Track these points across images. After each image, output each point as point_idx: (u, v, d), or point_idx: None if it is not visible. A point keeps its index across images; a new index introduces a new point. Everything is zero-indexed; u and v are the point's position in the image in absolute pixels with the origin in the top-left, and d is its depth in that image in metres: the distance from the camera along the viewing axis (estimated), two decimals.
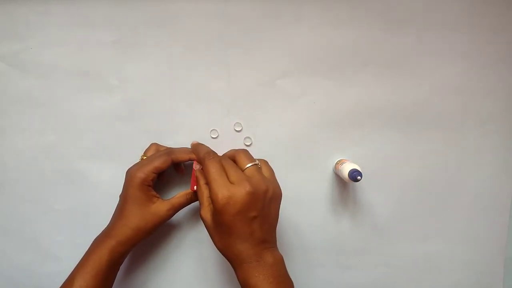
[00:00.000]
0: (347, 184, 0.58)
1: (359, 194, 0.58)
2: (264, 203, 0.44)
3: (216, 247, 0.46)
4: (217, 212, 0.43)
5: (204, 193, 0.48)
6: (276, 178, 0.48)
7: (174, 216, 0.53)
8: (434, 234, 0.59)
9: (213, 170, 0.45)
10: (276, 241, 0.48)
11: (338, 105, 0.56)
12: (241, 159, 0.47)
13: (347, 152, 0.57)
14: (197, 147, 0.52)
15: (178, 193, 0.53)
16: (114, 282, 0.51)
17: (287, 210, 0.57)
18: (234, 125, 0.57)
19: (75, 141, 0.57)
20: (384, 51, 0.55)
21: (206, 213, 0.46)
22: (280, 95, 0.56)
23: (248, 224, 0.43)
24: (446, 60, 0.55)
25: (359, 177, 0.49)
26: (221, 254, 0.46)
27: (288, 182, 0.57)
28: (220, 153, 0.56)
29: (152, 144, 0.55)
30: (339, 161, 0.55)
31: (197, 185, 0.49)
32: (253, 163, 0.47)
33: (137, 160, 0.53)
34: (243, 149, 0.49)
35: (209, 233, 0.47)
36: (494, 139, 0.57)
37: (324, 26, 0.54)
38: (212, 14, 0.54)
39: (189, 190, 0.53)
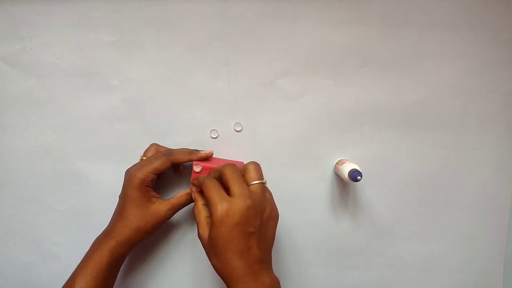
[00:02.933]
0: (347, 184, 0.58)
1: (359, 194, 0.58)
2: (262, 221, 0.44)
3: (213, 266, 0.44)
4: (215, 224, 0.42)
5: (202, 213, 0.47)
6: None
7: (173, 216, 0.53)
8: (434, 234, 0.59)
9: (212, 186, 0.45)
10: (271, 263, 0.46)
11: (338, 105, 0.56)
12: (250, 173, 0.47)
13: (347, 152, 0.57)
14: (197, 178, 0.50)
15: (178, 193, 0.53)
16: (114, 282, 0.51)
17: (287, 210, 0.57)
18: (234, 125, 0.57)
19: (75, 141, 0.57)
20: (384, 51, 0.55)
21: (204, 231, 0.45)
22: (280, 95, 0.56)
23: (246, 239, 0.43)
24: (446, 60, 0.55)
25: (359, 177, 0.49)
26: (217, 274, 0.45)
27: (288, 182, 0.57)
28: (220, 153, 0.57)
29: (152, 145, 0.55)
30: (339, 161, 0.55)
31: (195, 205, 0.49)
32: (260, 181, 0.46)
33: (137, 160, 0.53)
34: (255, 163, 0.48)
35: (206, 253, 0.45)
36: (494, 139, 0.57)
37: (324, 26, 0.54)
38: (212, 14, 0.54)
39: (189, 190, 0.52)
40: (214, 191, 0.44)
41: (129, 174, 0.50)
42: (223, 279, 0.44)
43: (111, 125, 0.57)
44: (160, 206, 0.51)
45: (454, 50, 0.55)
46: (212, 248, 0.44)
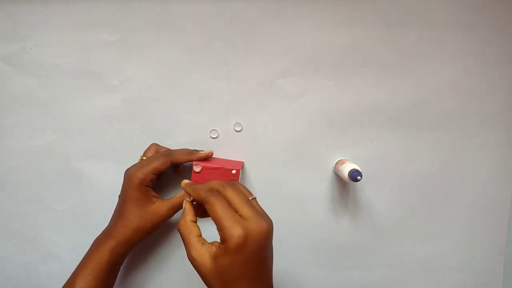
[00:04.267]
0: (347, 184, 0.58)
1: (359, 194, 0.58)
2: (272, 243, 0.40)
3: None
4: (230, 252, 0.37)
5: (192, 232, 0.41)
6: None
7: (173, 216, 0.53)
8: (434, 234, 0.59)
9: (221, 207, 0.38)
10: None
11: (338, 105, 0.56)
12: (242, 193, 0.41)
13: (347, 152, 0.57)
14: (193, 187, 0.43)
15: (178, 193, 0.53)
16: (115, 282, 0.51)
17: (287, 210, 0.57)
18: (234, 125, 0.57)
19: (75, 141, 0.57)
20: (384, 51, 0.55)
21: (203, 255, 0.39)
22: (280, 95, 0.56)
23: (261, 265, 0.38)
24: (446, 60, 0.55)
25: (359, 177, 0.49)
26: None
27: (288, 182, 0.57)
28: (220, 153, 0.57)
29: (152, 145, 0.55)
30: (339, 161, 0.55)
31: (182, 220, 0.42)
32: (253, 197, 0.42)
33: (137, 160, 0.53)
34: (238, 183, 0.43)
35: (204, 279, 0.39)
36: (494, 139, 0.57)
37: (324, 26, 0.54)
38: (212, 14, 0.54)
39: None
40: (225, 212, 0.38)
41: (128, 174, 0.50)
42: None
43: (111, 125, 0.57)
44: (160, 206, 0.51)
45: (454, 50, 0.55)
46: (219, 277, 0.38)
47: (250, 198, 0.41)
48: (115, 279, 0.51)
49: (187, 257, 0.40)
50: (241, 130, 0.57)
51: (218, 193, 0.40)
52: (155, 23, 0.55)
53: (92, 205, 0.58)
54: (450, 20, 0.54)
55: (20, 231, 0.59)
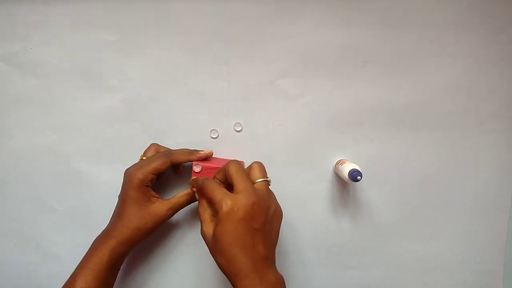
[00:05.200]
0: (347, 184, 0.58)
1: (359, 194, 0.58)
2: (267, 218, 0.44)
3: (218, 264, 0.44)
4: (221, 220, 0.42)
5: (207, 211, 0.47)
6: (276, 179, 0.48)
7: (173, 216, 0.53)
8: (434, 234, 0.59)
9: (212, 185, 0.45)
10: (275, 261, 0.46)
11: (338, 105, 0.56)
12: (255, 171, 0.47)
13: (347, 152, 0.57)
14: (194, 179, 0.51)
15: (178, 193, 0.53)
16: (115, 282, 0.51)
17: (287, 210, 0.57)
18: (234, 125, 0.57)
19: (75, 141, 0.57)
20: (384, 51, 0.55)
21: (209, 228, 0.45)
22: (280, 95, 0.56)
23: (251, 235, 0.43)
24: (446, 60, 0.55)
25: (359, 177, 0.49)
26: (222, 273, 0.44)
27: (288, 182, 0.57)
28: (220, 153, 0.57)
29: (152, 145, 0.55)
30: (339, 161, 0.55)
31: (200, 203, 0.49)
32: (264, 179, 0.47)
33: (137, 160, 0.53)
34: (260, 162, 0.48)
35: (210, 251, 0.45)
36: (494, 139, 0.57)
37: (324, 27, 0.54)
38: (212, 14, 0.54)
39: (189, 190, 0.52)
40: (215, 189, 0.44)
41: (128, 174, 0.50)
42: (228, 277, 0.43)
43: (111, 125, 0.57)
44: (160, 206, 0.51)
45: (454, 50, 0.55)
46: (217, 245, 0.43)
47: (260, 179, 0.46)
48: (115, 279, 0.51)
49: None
50: (241, 130, 0.57)
51: (219, 177, 0.49)
52: (155, 23, 0.55)
53: (92, 205, 0.58)
54: (450, 20, 0.54)
55: (20, 231, 0.59)
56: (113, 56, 0.56)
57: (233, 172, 0.46)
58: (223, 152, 0.57)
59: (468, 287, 0.60)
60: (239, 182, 0.44)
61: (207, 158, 0.53)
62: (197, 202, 0.56)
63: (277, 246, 0.47)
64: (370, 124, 0.56)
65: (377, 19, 0.54)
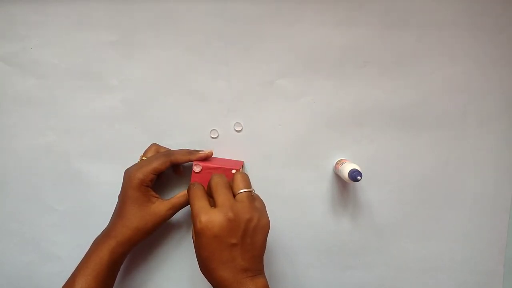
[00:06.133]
0: (347, 184, 0.58)
1: (359, 194, 0.58)
2: (247, 231, 0.43)
3: (203, 274, 0.45)
4: (197, 234, 0.43)
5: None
6: (266, 210, 0.47)
7: (173, 216, 0.53)
8: (434, 234, 0.59)
9: (194, 195, 0.45)
10: (262, 268, 0.46)
11: (338, 105, 0.56)
12: (237, 182, 0.46)
13: (347, 152, 0.57)
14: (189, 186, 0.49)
15: (178, 193, 0.53)
16: (114, 282, 0.51)
17: (287, 210, 0.57)
18: (234, 125, 0.57)
19: (75, 141, 0.57)
20: (384, 51, 0.55)
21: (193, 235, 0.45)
22: (280, 95, 0.56)
23: (228, 250, 0.42)
24: (446, 60, 0.55)
25: (359, 177, 0.49)
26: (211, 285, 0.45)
27: (288, 182, 0.57)
28: (220, 153, 0.57)
29: (152, 145, 0.55)
30: (339, 161, 0.55)
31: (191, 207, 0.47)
32: (247, 190, 0.45)
33: (137, 160, 0.53)
34: (243, 173, 0.48)
35: (198, 263, 0.45)
36: (494, 139, 0.57)
37: (324, 26, 0.54)
38: (212, 14, 0.54)
39: None
40: (196, 200, 0.44)
41: (128, 174, 0.50)
42: (210, 284, 0.44)
43: (111, 125, 0.57)
44: (160, 206, 0.51)
45: (454, 50, 0.55)
46: (197, 254, 0.44)
47: (242, 190, 0.45)
48: (115, 279, 0.51)
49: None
50: (241, 130, 0.57)
51: (199, 184, 0.47)
52: (155, 23, 0.55)
53: (92, 205, 0.58)
54: (450, 20, 0.54)
55: (20, 231, 0.59)
56: (113, 56, 0.56)
57: (213, 185, 0.45)
58: (223, 152, 0.57)
59: (468, 287, 0.60)
60: (218, 196, 0.44)
61: (207, 158, 0.53)
62: None
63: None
64: (370, 124, 0.56)
65: (377, 19, 0.54)
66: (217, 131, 0.57)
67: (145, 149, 0.54)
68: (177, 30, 0.55)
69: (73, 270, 0.49)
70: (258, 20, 0.54)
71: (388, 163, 0.57)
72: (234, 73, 0.56)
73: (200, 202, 0.44)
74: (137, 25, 0.55)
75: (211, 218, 0.42)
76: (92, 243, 0.50)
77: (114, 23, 0.55)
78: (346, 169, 0.50)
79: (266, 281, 0.44)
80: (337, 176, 0.57)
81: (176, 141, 0.57)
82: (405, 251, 0.59)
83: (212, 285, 0.44)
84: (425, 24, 0.54)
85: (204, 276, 0.45)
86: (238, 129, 0.57)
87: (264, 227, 0.45)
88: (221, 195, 0.44)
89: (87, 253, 0.50)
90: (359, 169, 0.50)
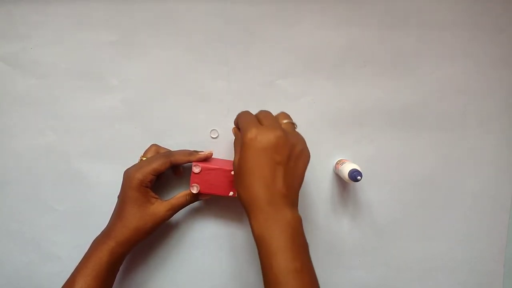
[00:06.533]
0: (347, 184, 0.58)
1: (359, 194, 0.58)
2: (291, 154, 0.43)
3: (238, 194, 0.44)
4: (243, 147, 0.43)
5: (239, 142, 0.45)
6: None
7: (173, 216, 0.53)
8: (434, 234, 0.59)
9: (245, 114, 0.47)
10: (297, 203, 0.45)
11: (338, 105, 0.56)
12: (281, 115, 0.48)
13: (347, 152, 0.57)
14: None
15: (178, 194, 0.53)
16: (114, 282, 0.51)
17: None
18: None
19: (75, 141, 0.57)
20: (384, 51, 0.55)
21: (236, 158, 0.45)
22: (280, 95, 0.56)
23: (271, 167, 0.42)
24: (446, 60, 0.55)
25: (359, 177, 0.49)
26: (241, 205, 0.44)
27: None
28: (220, 153, 0.57)
29: (152, 145, 0.55)
30: (339, 161, 0.55)
31: (236, 135, 0.49)
32: (291, 121, 0.48)
33: (137, 160, 0.53)
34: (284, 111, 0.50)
35: (234, 182, 0.45)
36: (494, 139, 0.57)
37: (324, 26, 0.54)
38: (212, 14, 0.54)
39: (188, 191, 0.52)
40: (247, 118, 0.45)
41: (128, 175, 0.50)
42: (244, 207, 0.43)
43: (111, 125, 0.57)
44: (159, 207, 0.51)
45: (454, 50, 0.55)
46: (237, 173, 0.44)
47: (287, 121, 0.47)
48: (114, 280, 0.51)
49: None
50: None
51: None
52: (155, 23, 0.55)
53: (92, 205, 0.58)
54: (450, 20, 0.54)
55: (20, 231, 0.59)
56: (113, 56, 0.56)
57: (262, 112, 0.47)
58: (223, 152, 0.57)
59: (468, 287, 0.60)
60: (266, 119, 0.45)
61: (207, 159, 0.53)
62: (196, 202, 0.56)
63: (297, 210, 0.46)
64: (370, 124, 0.56)
65: (377, 19, 0.54)
66: (217, 131, 0.57)
67: (145, 149, 0.54)
68: (177, 30, 0.55)
69: (73, 270, 0.49)
70: (258, 20, 0.54)
71: (388, 163, 0.57)
72: (234, 73, 0.56)
73: (251, 118, 0.45)
74: (137, 25, 0.55)
75: (261, 131, 0.42)
76: (92, 244, 0.50)
77: (114, 23, 0.55)
78: (346, 169, 0.50)
79: (301, 217, 0.44)
80: (337, 176, 0.57)
81: (176, 141, 0.57)
82: (405, 251, 0.59)
83: (245, 204, 0.43)
84: (425, 24, 0.54)
85: (239, 198, 0.44)
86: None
87: (306, 156, 0.46)
88: (269, 119, 0.45)
89: (86, 253, 0.50)
90: (359, 169, 0.50)
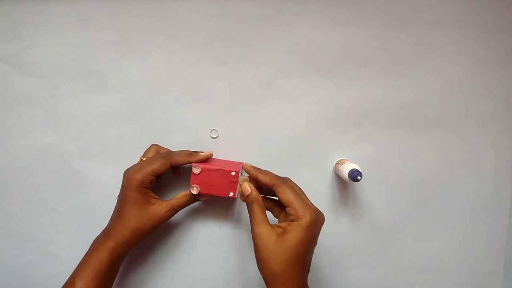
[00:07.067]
0: (347, 184, 0.58)
1: (359, 194, 0.58)
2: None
3: (266, 269, 0.42)
4: (302, 228, 0.42)
5: (263, 209, 0.45)
6: None
7: (173, 216, 0.52)
8: (434, 234, 0.58)
9: (293, 191, 0.45)
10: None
11: (338, 105, 0.56)
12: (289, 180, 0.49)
13: (347, 152, 0.57)
14: (262, 171, 0.48)
15: (177, 194, 0.53)
16: (114, 282, 0.51)
17: None
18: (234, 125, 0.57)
19: (75, 141, 0.57)
20: (384, 51, 0.55)
21: (269, 230, 0.43)
22: (280, 95, 0.56)
23: (311, 252, 0.44)
24: (446, 60, 0.55)
25: (359, 177, 0.49)
26: (263, 276, 0.43)
27: None
28: (220, 153, 0.57)
29: (152, 145, 0.55)
30: (339, 161, 0.55)
31: (255, 202, 0.46)
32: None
33: (137, 160, 0.53)
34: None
35: (262, 255, 0.42)
36: (494, 139, 0.57)
37: (324, 26, 0.54)
38: (212, 14, 0.54)
39: (188, 192, 0.52)
40: (297, 196, 0.44)
41: (127, 175, 0.50)
42: (268, 281, 0.42)
43: (111, 125, 0.57)
44: (159, 207, 0.51)
45: (454, 50, 0.55)
46: (282, 251, 0.41)
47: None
48: (114, 280, 0.51)
49: (251, 232, 0.44)
50: (241, 130, 0.57)
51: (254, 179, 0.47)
52: (155, 23, 0.55)
53: (92, 205, 0.58)
54: (450, 20, 0.54)
55: (20, 231, 0.59)
56: (113, 56, 0.56)
57: (292, 191, 0.45)
58: (223, 152, 0.57)
59: (468, 287, 0.60)
60: (305, 198, 0.46)
61: (207, 159, 0.53)
62: (196, 203, 0.56)
63: None
64: (370, 124, 0.56)
65: (377, 19, 0.54)
66: (217, 131, 0.57)
67: (145, 149, 0.54)
68: (177, 30, 0.55)
69: (73, 270, 0.49)
70: (258, 20, 0.54)
71: (388, 163, 0.57)
72: (234, 73, 0.56)
73: (299, 196, 0.45)
74: (137, 25, 0.55)
75: (317, 215, 0.43)
76: (91, 244, 0.50)
77: (114, 23, 0.55)
78: (346, 169, 0.50)
79: None
80: (337, 176, 0.57)
81: (176, 141, 0.57)
82: (405, 251, 0.59)
83: (274, 283, 0.42)
84: (425, 24, 0.54)
85: (265, 272, 0.42)
86: (238, 129, 0.57)
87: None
88: (307, 197, 0.47)
89: (86, 254, 0.49)
90: (359, 169, 0.50)
